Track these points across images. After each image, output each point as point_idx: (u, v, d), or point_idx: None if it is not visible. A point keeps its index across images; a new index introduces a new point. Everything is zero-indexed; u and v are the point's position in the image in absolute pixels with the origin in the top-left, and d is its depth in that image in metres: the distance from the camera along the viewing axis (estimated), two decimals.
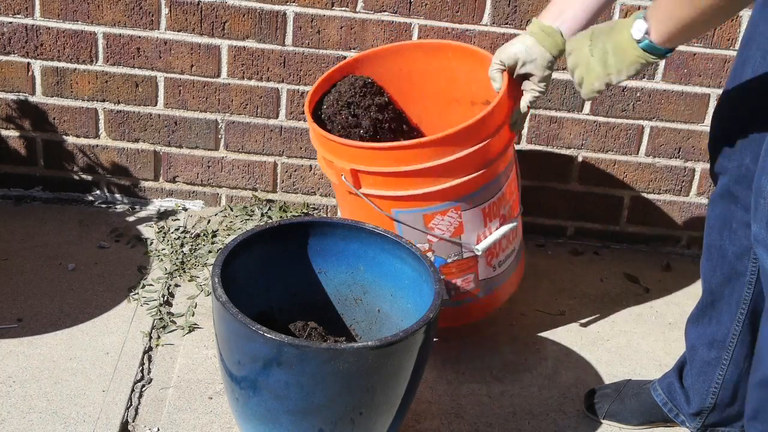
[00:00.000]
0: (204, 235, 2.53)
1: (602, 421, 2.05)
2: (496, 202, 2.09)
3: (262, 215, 2.60)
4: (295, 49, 2.45)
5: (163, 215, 2.60)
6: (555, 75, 2.49)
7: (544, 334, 2.34)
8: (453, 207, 2.04)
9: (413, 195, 2.03)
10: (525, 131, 2.57)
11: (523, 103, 1.96)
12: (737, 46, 2.46)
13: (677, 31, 1.47)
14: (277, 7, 2.40)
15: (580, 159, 2.61)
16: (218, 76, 2.48)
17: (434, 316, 1.71)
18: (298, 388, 1.65)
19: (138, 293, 2.30)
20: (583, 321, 2.40)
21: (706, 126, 2.56)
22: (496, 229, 2.11)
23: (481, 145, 1.98)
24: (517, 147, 2.54)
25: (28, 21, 2.42)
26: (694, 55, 2.48)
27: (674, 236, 2.70)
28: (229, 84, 2.49)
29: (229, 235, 2.54)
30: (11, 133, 2.55)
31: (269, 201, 2.64)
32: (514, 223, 2.12)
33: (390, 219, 2.05)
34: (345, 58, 2.44)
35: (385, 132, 2.21)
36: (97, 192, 2.62)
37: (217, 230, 2.55)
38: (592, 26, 1.66)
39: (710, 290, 1.86)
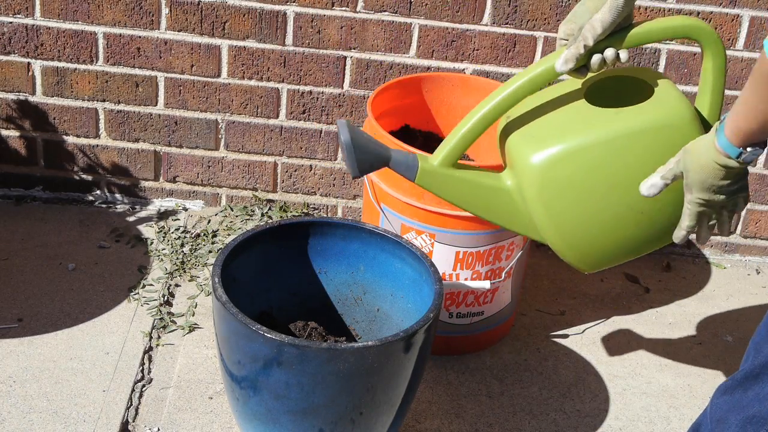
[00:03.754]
0: (204, 235, 2.53)
1: None
2: (474, 254, 2.09)
3: (263, 215, 2.60)
4: (295, 49, 2.45)
5: (163, 215, 2.60)
6: None
7: (543, 334, 2.34)
8: (428, 232, 2.05)
9: (399, 199, 2.07)
10: None
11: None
12: (737, 46, 2.46)
13: (757, 127, 1.32)
14: (277, 7, 2.40)
15: None
16: (218, 76, 2.48)
17: (434, 316, 1.71)
18: (298, 388, 1.65)
19: (138, 293, 2.30)
20: (583, 321, 2.41)
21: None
22: (465, 279, 2.11)
23: None
24: None
25: (29, 21, 2.42)
26: (694, 55, 2.48)
27: None
28: (229, 84, 2.49)
29: (229, 235, 2.54)
30: (11, 133, 2.55)
31: (269, 201, 2.64)
32: (485, 286, 2.07)
33: (378, 209, 2.12)
34: (345, 58, 2.45)
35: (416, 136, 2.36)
36: (98, 192, 2.62)
37: (218, 230, 2.55)
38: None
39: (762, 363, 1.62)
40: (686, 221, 1.51)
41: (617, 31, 1.55)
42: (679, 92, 1.59)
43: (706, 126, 1.59)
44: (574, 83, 1.65)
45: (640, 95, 1.62)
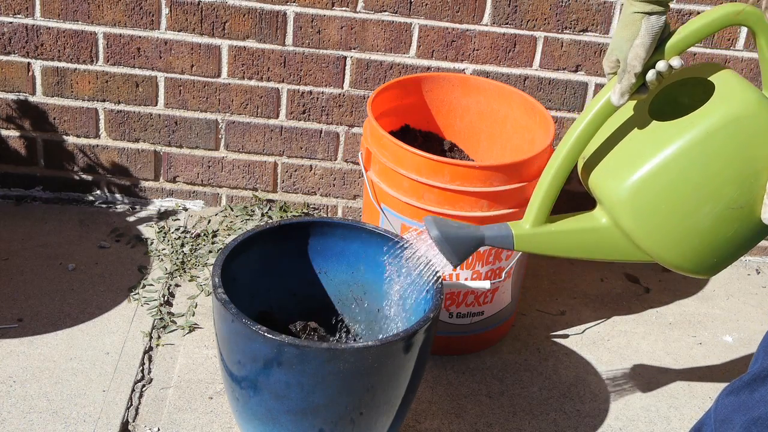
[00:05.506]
0: (204, 235, 2.53)
1: None
2: (474, 254, 2.08)
3: (263, 215, 2.60)
4: (295, 49, 2.45)
5: (163, 215, 2.60)
6: (553, 75, 2.49)
7: (544, 334, 2.34)
8: None
9: (399, 199, 2.06)
10: None
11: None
12: (737, 46, 2.46)
13: None
14: (277, 7, 2.40)
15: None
16: (218, 76, 2.48)
17: (434, 316, 1.71)
18: (298, 388, 1.65)
19: (138, 293, 2.30)
20: (583, 321, 2.41)
21: None
22: (465, 279, 2.11)
23: (480, 190, 2.03)
24: None
25: (29, 21, 2.42)
26: (695, 55, 2.48)
27: None
28: (229, 84, 2.49)
29: (229, 235, 2.54)
30: (11, 133, 2.55)
31: (269, 201, 2.64)
32: (486, 286, 2.07)
33: (378, 209, 2.12)
34: (345, 57, 2.45)
35: (416, 136, 2.36)
36: (98, 192, 2.62)
37: (218, 230, 2.55)
38: None
39: None
40: None
41: (660, 44, 1.56)
42: (741, 79, 1.58)
43: None
44: (635, 103, 1.65)
45: (703, 92, 1.62)
